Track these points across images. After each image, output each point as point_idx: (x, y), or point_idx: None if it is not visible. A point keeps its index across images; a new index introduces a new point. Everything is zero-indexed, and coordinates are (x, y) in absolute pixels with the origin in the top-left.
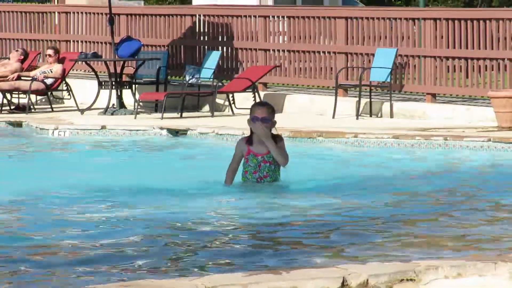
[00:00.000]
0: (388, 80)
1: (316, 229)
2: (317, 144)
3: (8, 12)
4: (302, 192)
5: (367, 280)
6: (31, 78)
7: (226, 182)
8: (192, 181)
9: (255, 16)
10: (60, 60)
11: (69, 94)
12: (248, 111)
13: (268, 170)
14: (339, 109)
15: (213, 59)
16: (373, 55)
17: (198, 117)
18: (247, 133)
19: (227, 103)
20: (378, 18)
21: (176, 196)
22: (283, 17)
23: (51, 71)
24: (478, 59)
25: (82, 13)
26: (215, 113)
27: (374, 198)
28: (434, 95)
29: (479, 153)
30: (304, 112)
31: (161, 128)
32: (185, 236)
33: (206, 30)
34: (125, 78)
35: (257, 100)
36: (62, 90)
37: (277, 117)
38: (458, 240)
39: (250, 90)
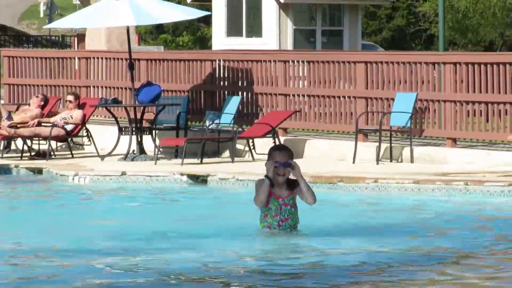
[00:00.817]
0: (408, 124)
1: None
2: (337, 190)
3: (29, 58)
4: (324, 237)
5: None
6: (51, 124)
7: (260, 202)
8: (212, 228)
9: (274, 61)
10: (80, 106)
11: (89, 140)
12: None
13: (289, 213)
14: (359, 154)
15: (233, 104)
16: (393, 99)
17: (218, 162)
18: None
19: (247, 148)
20: (398, 63)
21: (196, 243)
22: (302, 61)
23: (71, 117)
24: (498, 103)
25: (102, 58)
26: (235, 159)
27: (391, 243)
28: (454, 140)
29: (499, 198)
30: (324, 157)
31: (181, 174)
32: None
33: (226, 75)
34: (145, 124)
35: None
36: (83, 136)
37: (298, 161)
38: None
39: (270, 135)
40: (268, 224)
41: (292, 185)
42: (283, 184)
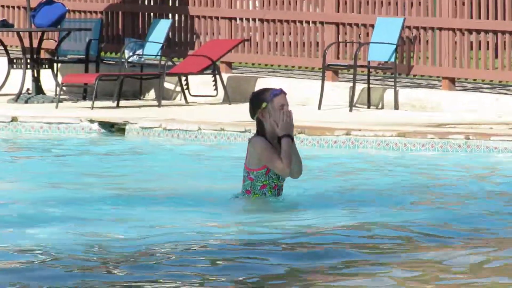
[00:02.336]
0: (392, 60)
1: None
2: (297, 144)
3: None
4: (294, 208)
5: None
6: None
7: (287, 167)
8: (122, 194)
9: None
10: None
11: None
12: (207, 99)
13: (283, 183)
14: (327, 97)
15: (161, 30)
16: (373, 26)
17: (140, 106)
18: (207, 127)
19: (178, 88)
20: None
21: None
22: None
23: None
24: (510, 32)
25: None
26: (163, 102)
27: (371, 215)
28: (452, 80)
29: (510, 156)
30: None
31: (91, 121)
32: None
33: None
34: (44, 55)
35: (219, 85)
36: None
37: (246, 107)
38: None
39: (210, 71)
40: (263, 197)
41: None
42: (278, 143)
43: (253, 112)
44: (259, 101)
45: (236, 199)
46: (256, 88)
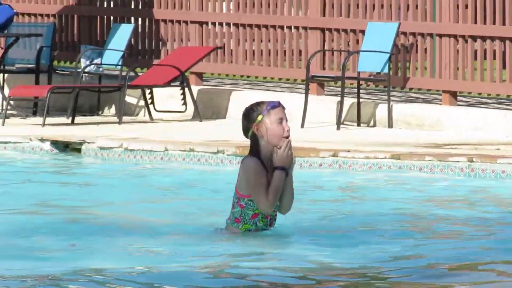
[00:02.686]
0: (386, 71)
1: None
2: None
3: None
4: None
5: None
6: None
7: (273, 202)
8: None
9: None
10: None
11: None
12: (175, 115)
13: (276, 210)
14: (311, 113)
15: (122, 37)
16: (363, 32)
17: (99, 123)
18: (174, 148)
19: (142, 102)
20: None
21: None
22: None
23: None
24: None
25: None
26: (125, 118)
27: (362, 246)
28: (454, 94)
29: None
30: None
31: (42, 140)
32: None
33: None
34: None
35: (188, 99)
36: None
37: (219, 124)
38: None
39: (178, 83)
40: (255, 228)
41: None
42: (271, 165)
43: (247, 127)
44: (254, 114)
45: (222, 231)
46: (231, 103)
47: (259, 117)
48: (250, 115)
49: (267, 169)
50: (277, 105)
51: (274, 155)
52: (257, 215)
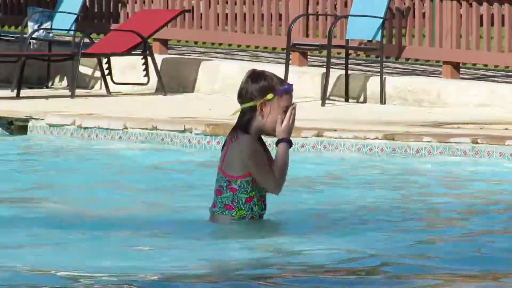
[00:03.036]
0: (378, 38)
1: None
2: None
3: None
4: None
5: None
6: None
7: (283, 178)
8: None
9: None
10: None
11: None
12: (136, 88)
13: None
14: (294, 87)
15: None
16: None
17: (48, 97)
18: (135, 125)
19: (98, 73)
20: None
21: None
22: None
23: None
24: None
25: None
26: (78, 92)
27: (352, 240)
28: (456, 66)
29: None
30: (232, 91)
31: None
32: None
33: None
34: None
35: (151, 70)
36: None
37: (187, 99)
38: None
39: (139, 52)
40: (251, 214)
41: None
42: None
43: (250, 97)
44: (265, 89)
45: (208, 223)
46: (200, 75)
47: (270, 96)
48: (260, 87)
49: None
50: (291, 90)
51: (278, 126)
52: (251, 199)
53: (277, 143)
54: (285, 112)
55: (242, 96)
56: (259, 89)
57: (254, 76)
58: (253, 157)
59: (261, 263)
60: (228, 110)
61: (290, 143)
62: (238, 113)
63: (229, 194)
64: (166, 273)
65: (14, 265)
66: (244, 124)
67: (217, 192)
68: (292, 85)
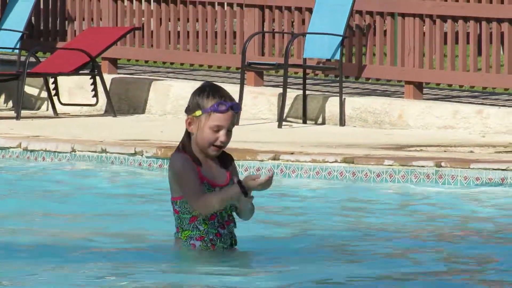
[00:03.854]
0: (337, 57)
1: None
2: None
3: None
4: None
5: None
6: None
7: (210, 206)
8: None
9: None
10: None
11: None
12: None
13: (230, 211)
14: (248, 108)
15: (20, 14)
16: (311, 11)
17: None
18: (83, 148)
19: (44, 94)
20: None
21: None
22: None
23: None
24: (498, 20)
25: None
26: (24, 113)
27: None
28: (419, 86)
29: (498, 191)
30: (183, 112)
31: None
32: None
33: None
34: None
35: (100, 90)
36: None
37: (138, 120)
38: None
39: (88, 71)
40: (199, 234)
41: (224, 160)
42: (212, 160)
43: (187, 108)
44: (196, 103)
45: (172, 247)
46: (151, 95)
47: (197, 112)
48: (194, 102)
49: (200, 163)
50: (224, 110)
51: (252, 172)
52: (195, 218)
53: (237, 182)
54: (216, 132)
55: (185, 110)
56: (192, 104)
57: (198, 89)
58: (174, 175)
59: None
60: (181, 132)
61: (244, 192)
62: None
63: (176, 217)
64: None
65: None
66: (183, 141)
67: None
68: (231, 104)
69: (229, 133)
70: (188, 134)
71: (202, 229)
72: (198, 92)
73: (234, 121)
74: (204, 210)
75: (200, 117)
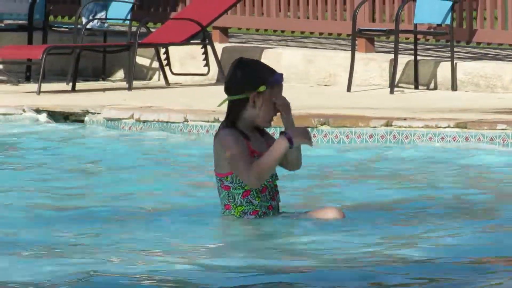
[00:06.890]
0: (448, 22)
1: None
2: (320, 138)
3: None
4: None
5: None
6: None
7: (265, 170)
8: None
9: None
10: None
11: None
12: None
13: (275, 182)
14: (359, 75)
15: None
16: None
17: (105, 90)
18: (195, 118)
19: (156, 64)
20: None
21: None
22: None
23: None
24: None
25: None
26: (135, 84)
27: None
28: None
29: None
30: (295, 79)
31: (38, 111)
32: None
33: None
34: None
35: (211, 60)
36: None
37: None
38: None
39: (199, 41)
40: (253, 208)
41: (262, 132)
42: (255, 132)
43: (242, 89)
44: (257, 80)
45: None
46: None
47: (262, 88)
48: (251, 78)
49: (248, 137)
50: (282, 80)
51: (289, 123)
52: (249, 192)
53: (280, 133)
54: (274, 104)
55: (231, 87)
56: (249, 81)
57: (243, 66)
58: (227, 150)
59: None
60: (294, 100)
61: (290, 142)
62: (225, 103)
63: (225, 193)
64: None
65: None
66: (232, 117)
67: (219, 195)
68: (282, 74)
69: None
70: (235, 110)
71: (256, 203)
72: (250, 69)
73: None
74: (259, 179)
75: (264, 92)
